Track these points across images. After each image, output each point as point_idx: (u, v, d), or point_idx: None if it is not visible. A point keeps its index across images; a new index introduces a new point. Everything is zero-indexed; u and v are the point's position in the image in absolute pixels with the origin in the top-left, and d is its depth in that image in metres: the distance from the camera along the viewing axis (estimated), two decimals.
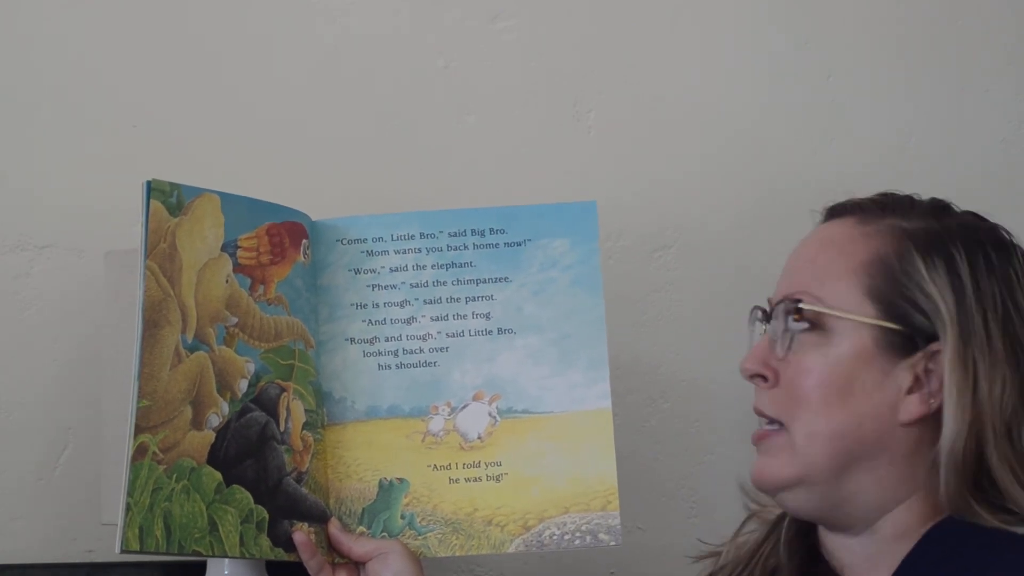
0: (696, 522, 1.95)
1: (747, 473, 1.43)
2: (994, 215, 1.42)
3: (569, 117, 1.98)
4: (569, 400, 1.53)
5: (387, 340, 1.54)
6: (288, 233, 1.52)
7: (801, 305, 1.37)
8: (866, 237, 1.38)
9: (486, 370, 1.54)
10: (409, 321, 1.55)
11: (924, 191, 1.44)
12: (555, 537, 1.51)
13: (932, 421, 1.34)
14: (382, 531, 1.51)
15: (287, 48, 1.96)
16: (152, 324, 1.41)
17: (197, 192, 1.46)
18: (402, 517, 1.51)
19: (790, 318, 1.37)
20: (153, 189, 1.43)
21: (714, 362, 1.94)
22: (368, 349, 1.54)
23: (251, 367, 1.47)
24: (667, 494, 1.97)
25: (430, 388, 1.54)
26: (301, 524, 1.47)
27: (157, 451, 1.39)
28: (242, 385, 1.46)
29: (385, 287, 1.55)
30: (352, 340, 1.54)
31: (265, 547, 1.45)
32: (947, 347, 1.32)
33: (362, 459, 1.52)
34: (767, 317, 1.41)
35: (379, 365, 1.54)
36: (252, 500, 1.44)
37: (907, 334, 1.34)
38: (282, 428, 1.48)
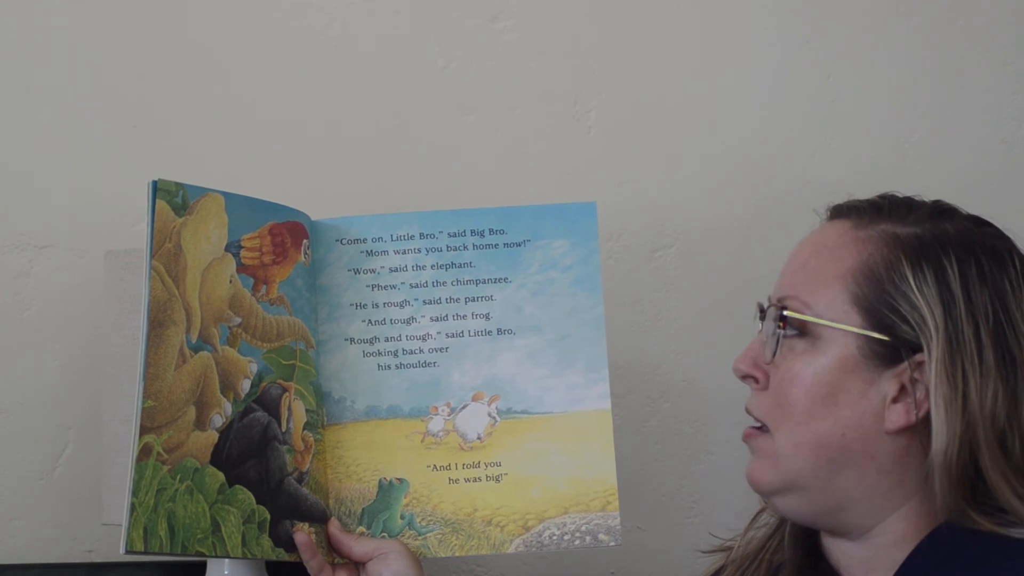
0: (696, 522, 1.95)
1: (740, 476, 1.43)
2: (994, 215, 1.42)
3: (569, 117, 1.98)
4: (569, 400, 1.53)
5: (387, 340, 1.54)
6: (289, 233, 1.52)
7: (786, 312, 1.37)
8: (857, 243, 1.37)
9: (486, 370, 1.54)
10: (409, 321, 1.54)
11: (924, 191, 1.44)
12: (555, 537, 1.51)
13: (923, 430, 1.33)
14: (382, 531, 1.51)
15: (287, 48, 1.96)
16: (157, 324, 1.41)
17: (202, 192, 1.46)
18: (402, 517, 1.51)
19: (777, 323, 1.37)
20: (159, 189, 1.43)
21: (714, 362, 1.94)
22: (368, 349, 1.54)
23: (254, 367, 1.47)
24: (667, 494, 1.97)
25: (430, 388, 1.54)
26: (302, 524, 1.47)
27: (161, 451, 1.39)
28: (245, 385, 1.46)
29: (385, 287, 1.55)
30: (352, 340, 1.54)
31: (266, 547, 1.45)
32: (932, 358, 1.31)
33: (362, 459, 1.52)
34: (764, 316, 1.42)
35: (379, 365, 1.54)
36: (254, 500, 1.44)
37: (892, 344, 1.33)
38: (284, 428, 1.48)
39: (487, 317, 1.55)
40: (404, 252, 1.55)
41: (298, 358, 1.51)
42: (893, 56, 2.00)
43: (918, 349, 1.32)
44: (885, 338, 1.33)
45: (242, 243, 1.48)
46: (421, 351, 1.54)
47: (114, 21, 1.93)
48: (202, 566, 1.72)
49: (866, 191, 1.46)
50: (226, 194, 1.48)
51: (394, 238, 1.56)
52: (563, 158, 1.97)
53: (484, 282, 1.55)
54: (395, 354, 1.54)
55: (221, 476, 1.42)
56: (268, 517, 1.45)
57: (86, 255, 1.91)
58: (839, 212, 1.43)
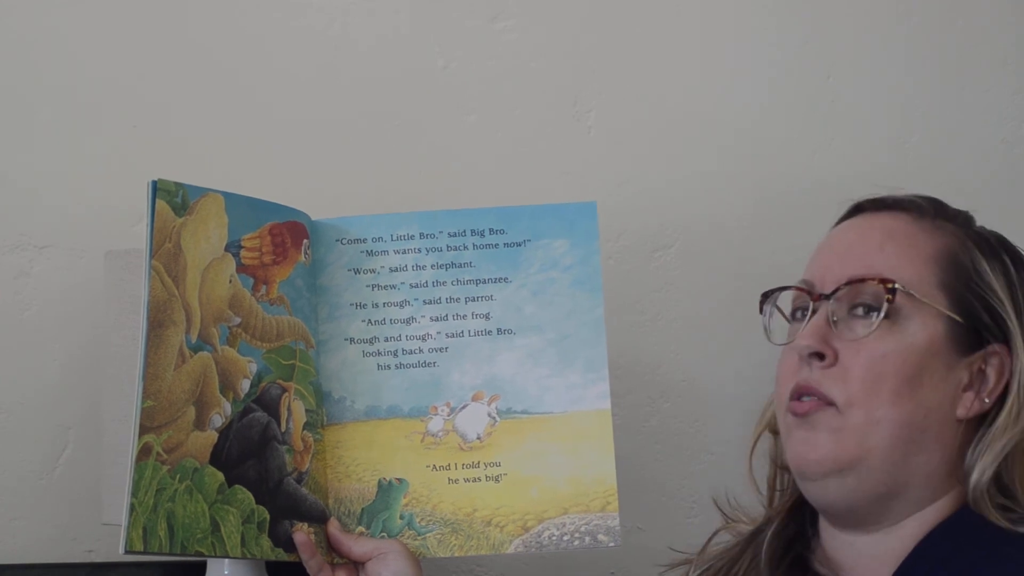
0: (696, 522, 1.95)
1: (742, 477, 1.43)
2: (994, 215, 1.43)
3: (569, 117, 1.98)
4: (568, 400, 1.53)
5: (386, 340, 1.54)
6: (290, 233, 1.52)
7: (895, 286, 1.35)
8: (927, 232, 1.39)
9: (485, 370, 1.54)
10: (409, 321, 1.54)
11: (924, 191, 1.45)
12: (554, 538, 1.51)
13: (976, 420, 1.35)
14: (381, 531, 1.51)
15: (287, 48, 1.96)
16: (157, 324, 1.41)
17: (202, 192, 1.46)
18: (401, 517, 1.51)
19: (866, 298, 1.36)
20: (159, 189, 1.43)
21: (714, 362, 1.94)
22: (367, 349, 1.54)
23: (253, 367, 1.47)
24: (667, 494, 1.97)
25: (429, 388, 1.54)
26: (301, 524, 1.47)
27: (161, 451, 1.39)
28: (244, 385, 1.46)
29: (385, 287, 1.55)
30: (351, 340, 1.54)
31: (266, 547, 1.45)
32: (1016, 348, 1.35)
33: (361, 459, 1.52)
34: (817, 297, 1.39)
35: (378, 365, 1.54)
36: (254, 500, 1.44)
37: (973, 330, 1.35)
38: (283, 428, 1.48)
39: (487, 317, 1.55)
40: (404, 252, 1.55)
41: (298, 358, 1.51)
42: (893, 56, 2.00)
43: (994, 338, 1.35)
44: (967, 323, 1.35)
45: (242, 243, 1.48)
46: (421, 351, 1.54)
47: (114, 21, 1.93)
48: (202, 566, 1.72)
49: (866, 191, 1.46)
50: (226, 194, 1.48)
51: (394, 238, 1.56)
52: (563, 158, 1.97)
53: (484, 282, 1.55)
54: (395, 354, 1.54)
55: (221, 476, 1.42)
56: (267, 517, 1.45)
57: (86, 255, 1.91)
58: (886, 205, 1.44)
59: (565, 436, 1.52)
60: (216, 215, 1.47)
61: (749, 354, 1.82)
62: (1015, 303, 1.36)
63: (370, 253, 1.55)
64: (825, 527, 1.42)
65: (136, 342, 1.41)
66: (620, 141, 1.98)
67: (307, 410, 1.50)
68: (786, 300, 1.46)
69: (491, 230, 1.56)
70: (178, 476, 1.39)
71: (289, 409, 1.49)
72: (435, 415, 1.53)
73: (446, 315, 1.54)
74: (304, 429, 1.50)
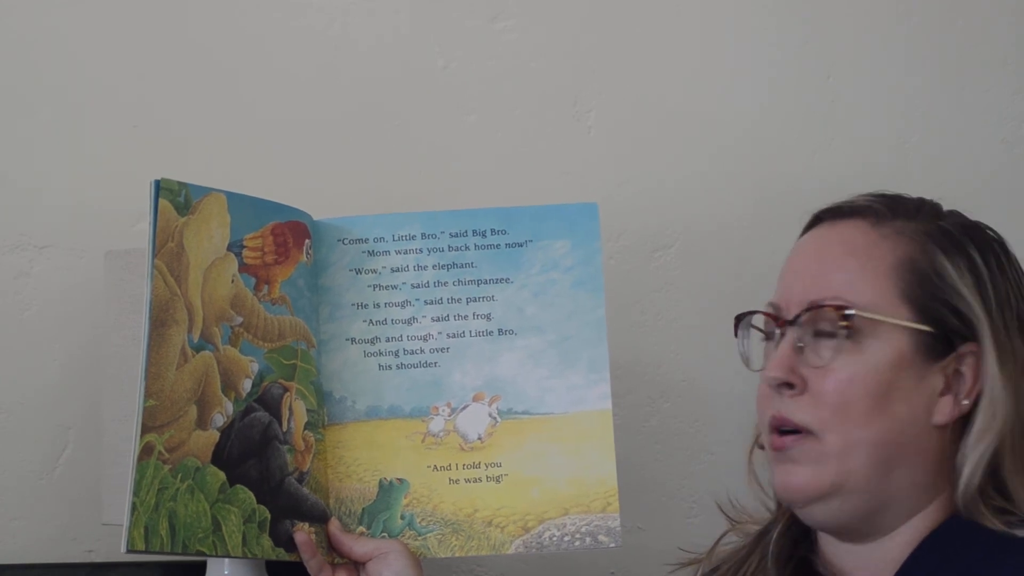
0: (696, 522, 1.95)
1: (742, 477, 1.43)
2: (994, 215, 1.42)
3: (569, 117, 1.98)
4: (569, 401, 1.53)
5: (388, 340, 1.54)
6: (292, 233, 1.52)
7: (850, 311, 1.33)
8: (887, 239, 1.36)
9: (487, 371, 1.54)
10: (410, 321, 1.54)
11: (924, 191, 1.44)
12: (555, 538, 1.51)
13: (957, 424, 1.34)
14: (382, 531, 1.51)
15: (287, 48, 1.96)
16: (159, 323, 1.41)
17: (204, 191, 1.46)
18: (402, 517, 1.51)
19: (825, 325, 1.34)
20: (162, 188, 1.43)
21: (714, 362, 1.94)
22: (369, 349, 1.54)
23: (255, 367, 1.47)
24: (667, 494, 1.97)
25: (430, 388, 1.54)
26: (302, 524, 1.47)
27: (163, 451, 1.39)
28: (246, 385, 1.46)
29: (386, 287, 1.55)
30: (353, 340, 1.54)
31: (267, 547, 1.45)
32: (985, 347, 1.33)
33: (362, 459, 1.52)
34: (782, 324, 1.37)
35: (380, 365, 1.54)
36: (255, 500, 1.44)
37: (941, 336, 1.33)
38: (285, 428, 1.48)
39: (488, 317, 1.55)
40: (406, 252, 1.55)
41: (299, 358, 1.51)
42: (893, 56, 2.00)
43: (964, 340, 1.33)
44: (935, 331, 1.33)
45: (244, 243, 1.48)
46: (422, 351, 1.54)
47: (114, 21, 1.93)
48: (202, 566, 1.72)
49: (867, 191, 1.46)
50: (228, 194, 1.48)
51: (396, 238, 1.56)
52: (563, 158, 1.97)
53: (485, 282, 1.55)
54: (396, 354, 1.54)
55: (222, 475, 1.42)
56: (268, 517, 1.45)
57: (86, 255, 1.91)
58: (839, 214, 1.42)
59: (566, 437, 1.52)
60: (219, 215, 1.47)
61: None
62: (983, 297, 1.34)
63: (372, 253, 1.55)
64: (823, 536, 1.42)
65: (136, 342, 1.41)
66: (620, 141, 1.98)
67: (308, 410, 1.50)
68: (761, 318, 1.45)
69: (493, 230, 1.56)
70: (180, 475, 1.39)
71: (290, 409, 1.49)
72: (436, 415, 1.53)
73: (447, 315, 1.54)
74: (305, 429, 1.50)
